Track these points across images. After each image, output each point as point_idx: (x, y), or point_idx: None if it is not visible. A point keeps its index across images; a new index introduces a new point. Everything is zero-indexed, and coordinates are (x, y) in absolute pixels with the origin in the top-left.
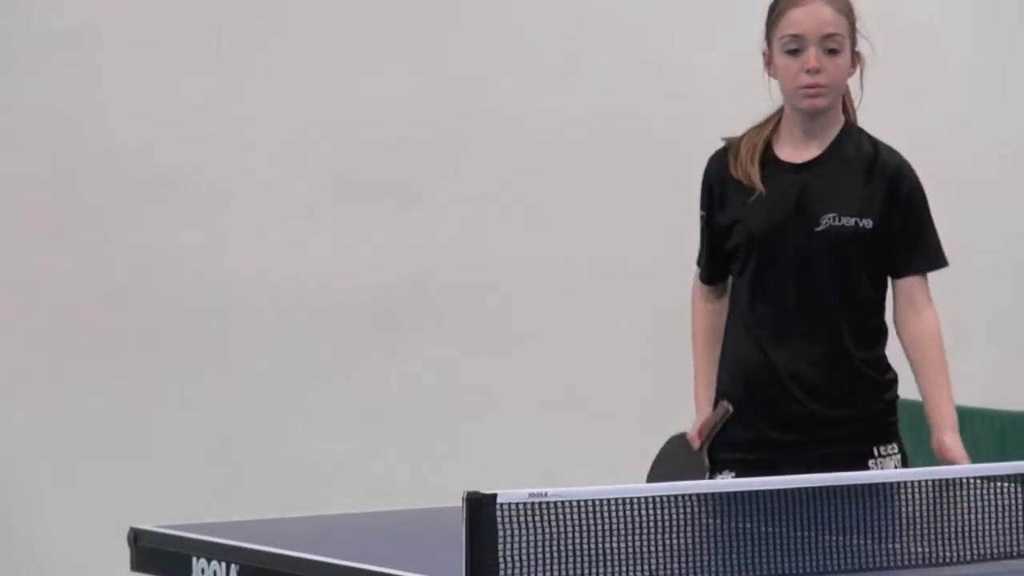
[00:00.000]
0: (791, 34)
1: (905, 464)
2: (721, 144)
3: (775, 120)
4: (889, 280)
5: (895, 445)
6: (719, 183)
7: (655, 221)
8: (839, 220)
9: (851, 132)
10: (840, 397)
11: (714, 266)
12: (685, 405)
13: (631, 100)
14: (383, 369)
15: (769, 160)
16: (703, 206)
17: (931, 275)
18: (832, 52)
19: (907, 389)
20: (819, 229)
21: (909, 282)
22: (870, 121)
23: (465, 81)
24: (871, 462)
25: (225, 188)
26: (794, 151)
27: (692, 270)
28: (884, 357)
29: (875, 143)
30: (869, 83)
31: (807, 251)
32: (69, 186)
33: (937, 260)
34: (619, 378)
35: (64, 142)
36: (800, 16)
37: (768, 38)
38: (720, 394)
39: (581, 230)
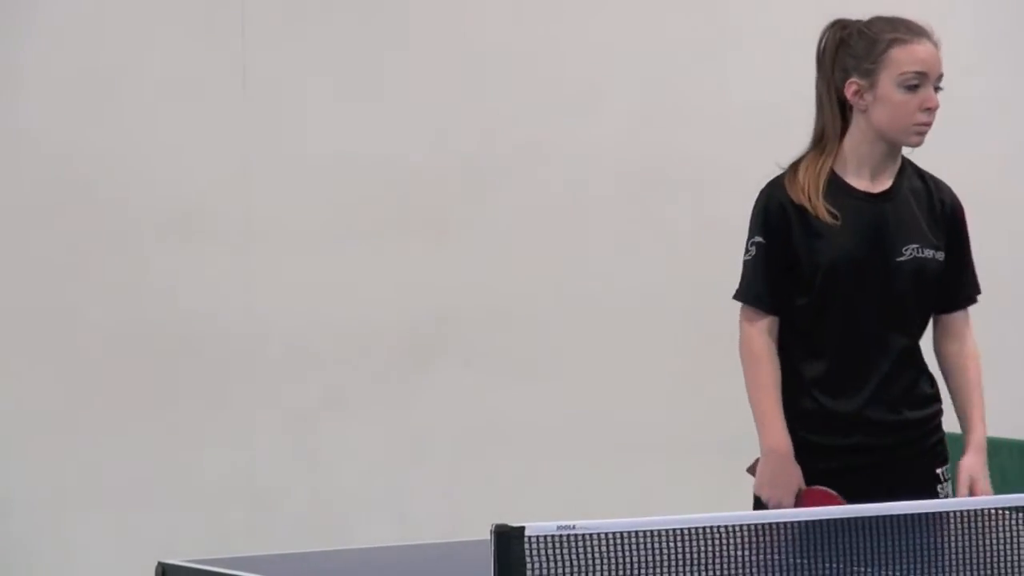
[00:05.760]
0: (917, 71)
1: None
2: (779, 171)
3: (835, 149)
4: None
5: (947, 466)
6: (789, 209)
7: (683, 251)
8: (922, 251)
9: (905, 164)
10: (914, 420)
11: (779, 295)
12: (714, 435)
13: (656, 129)
14: (410, 401)
15: (840, 189)
16: (759, 232)
17: None
18: (938, 91)
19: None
20: (902, 259)
21: (956, 315)
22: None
23: (490, 112)
24: (939, 487)
25: (251, 222)
26: (867, 181)
27: (722, 298)
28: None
29: (921, 173)
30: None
31: (891, 280)
32: (94, 222)
33: (976, 291)
34: (648, 408)
35: (90, 179)
36: (923, 54)
37: (868, 69)
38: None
39: (607, 260)
